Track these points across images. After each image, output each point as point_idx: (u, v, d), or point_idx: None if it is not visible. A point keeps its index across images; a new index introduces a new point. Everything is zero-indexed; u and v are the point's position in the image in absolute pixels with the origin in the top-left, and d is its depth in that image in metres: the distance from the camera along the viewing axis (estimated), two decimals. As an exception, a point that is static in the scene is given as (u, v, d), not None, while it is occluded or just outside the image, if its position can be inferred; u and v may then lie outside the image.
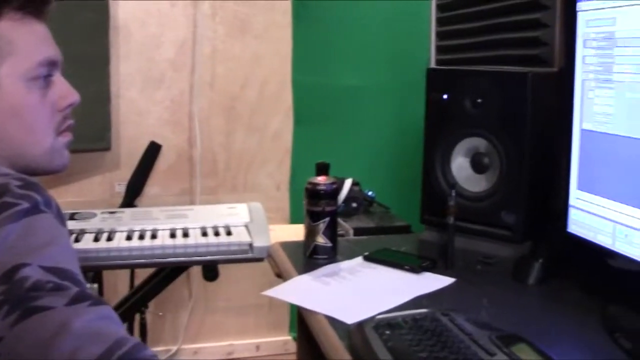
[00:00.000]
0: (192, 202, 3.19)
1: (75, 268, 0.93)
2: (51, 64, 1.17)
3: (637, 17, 1.26)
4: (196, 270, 2.98)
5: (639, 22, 1.25)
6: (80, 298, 0.87)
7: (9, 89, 1.10)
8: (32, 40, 1.14)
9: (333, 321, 1.34)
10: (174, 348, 3.33)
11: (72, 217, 2.15)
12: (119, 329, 0.86)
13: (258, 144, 3.27)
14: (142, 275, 2.61)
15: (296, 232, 1.85)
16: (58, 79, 1.19)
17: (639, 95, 1.25)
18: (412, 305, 1.40)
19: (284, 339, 3.44)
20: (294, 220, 3.19)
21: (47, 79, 1.16)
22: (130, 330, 2.89)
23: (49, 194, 1.00)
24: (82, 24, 2.86)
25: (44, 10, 1.17)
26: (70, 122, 1.22)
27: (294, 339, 3.15)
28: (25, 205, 0.95)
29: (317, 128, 3.19)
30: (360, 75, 3.17)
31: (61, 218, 1.01)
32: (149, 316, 2.94)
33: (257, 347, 3.46)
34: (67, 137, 1.22)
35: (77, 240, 2.03)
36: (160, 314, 3.23)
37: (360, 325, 1.24)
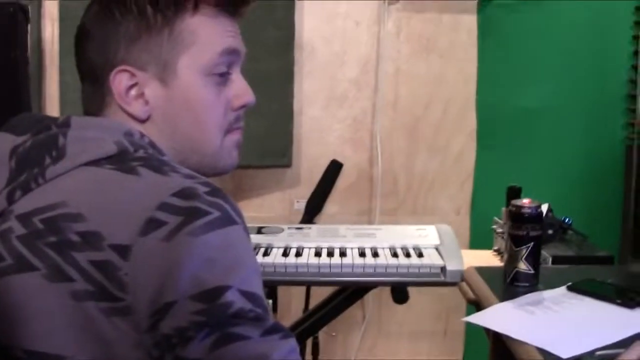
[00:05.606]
0: (370, 223, 3.14)
1: (262, 292, 0.93)
2: (232, 53, 1.10)
3: None
4: (371, 293, 2.93)
5: None
6: (273, 330, 0.90)
7: (185, 80, 1.06)
8: (216, 31, 1.08)
9: (545, 354, 1.27)
10: (346, 369, 3.29)
11: (259, 230, 2.18)
12: None
13: (440, 165, 3.18)
14: (316, 294, 2.58)
15: (477, 258, 1.83)
16: (237, 76, 1.13)
17: None
18: (631, 343, 1.28)
19: (457, 367, 3.33)
20: (473, 245, 3.07)
21: (224, 76, 1.10)
22: (303, 347, 2.87)
23: (234, 202, 0.96)
24: (267, 41, 2.90)
25: (241, 10, 1.12)
26: (241, 124, 1.15)
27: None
28: (216, 214, 0.91)
29: (502, 151, 3.09)
30: (550, 94, 3.06)
31: (247, 231, 0.96)
32: (321, 335, 2.91)
33: (429, 373, 3.37)
34: (236, 136, 1.14)
35: (265, 254, 2.04)
36: (334, 334, 3.20)
37: (579, 360, 1.16)
